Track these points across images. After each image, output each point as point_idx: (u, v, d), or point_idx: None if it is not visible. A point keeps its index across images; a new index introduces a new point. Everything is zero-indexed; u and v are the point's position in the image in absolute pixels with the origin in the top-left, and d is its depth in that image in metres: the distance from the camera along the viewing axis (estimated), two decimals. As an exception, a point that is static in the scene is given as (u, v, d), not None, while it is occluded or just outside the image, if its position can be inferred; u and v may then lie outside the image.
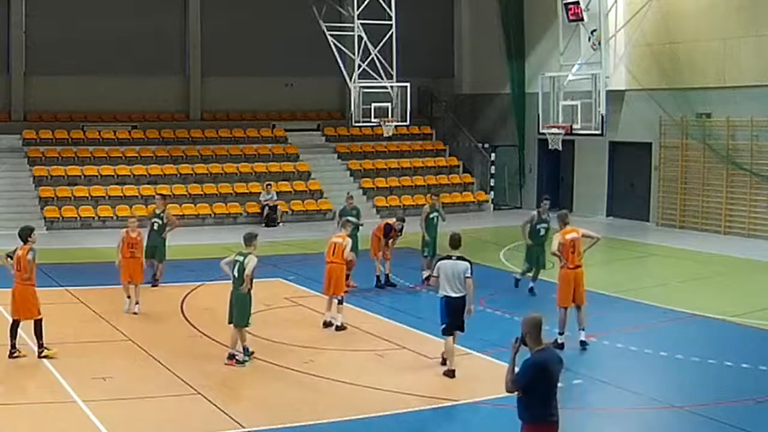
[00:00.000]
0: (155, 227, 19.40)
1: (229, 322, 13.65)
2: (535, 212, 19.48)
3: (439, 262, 13.11)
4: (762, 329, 15.93)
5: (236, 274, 13.56)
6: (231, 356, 13.56)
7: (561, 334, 14.45)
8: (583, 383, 12.84)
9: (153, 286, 18.96)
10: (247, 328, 13.64)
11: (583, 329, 14.62)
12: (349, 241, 16.25)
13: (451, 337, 13.00)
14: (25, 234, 13.93)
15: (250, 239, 13.75)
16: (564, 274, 14.64)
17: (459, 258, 12.91)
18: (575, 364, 13.69)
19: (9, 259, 14.00)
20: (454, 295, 12.83)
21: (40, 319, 13.67)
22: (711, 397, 12.16)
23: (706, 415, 11.47)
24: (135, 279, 16.96)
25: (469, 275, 12.78)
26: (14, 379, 12.50)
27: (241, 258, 13.55)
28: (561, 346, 14.36)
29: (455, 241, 13.22)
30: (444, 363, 13.23)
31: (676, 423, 11.57)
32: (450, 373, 12.96)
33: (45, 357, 13.49)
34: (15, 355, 13.50)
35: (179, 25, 33.37)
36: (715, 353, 14.07)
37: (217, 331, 15.24)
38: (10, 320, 13.67)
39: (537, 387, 7.76)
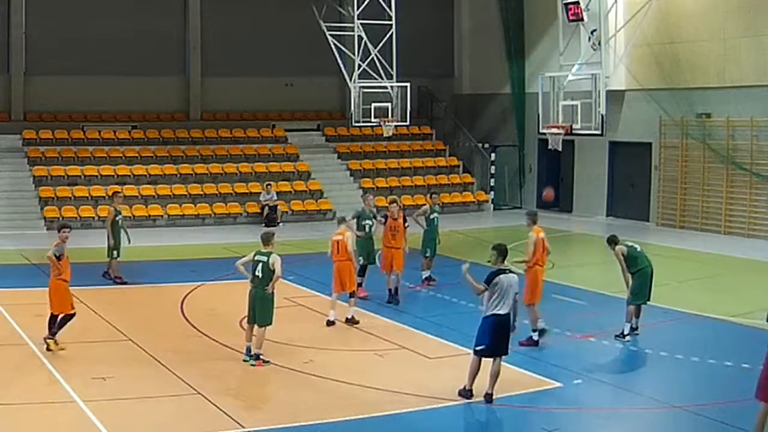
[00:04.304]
0: (120, 223, 19.58)
1: (250, 323, 13.54)
2: None
3: (498, 276, 11.77)
4: (762, 329, 15.86)
5: (259, 275, 13.36)
6: (257, 357, 13.45)
7: (535, 331, 14.55)
8: (583, 383, 12.85)
9: (123, 283, 19.26)
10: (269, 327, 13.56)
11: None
12: (350, 234, 16.31)
13: (477, 359, 11.86)
14: (57, 229, 14.36)
15: (268, 239, 13.62)
16: (536, 272, 14.81)
17: (510, 271, 12.00)
18: (575, 364, 13.72)
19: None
20: (503, 312, 11.75)
21: (72, 315, 14.03)
22: (711, 397, 12.16)
23: (706, 415, 11.48)
24: None
25: (517, 290, 12.01)
26: (14, 379, 12.49)
27: (264, 258, 13.36)
28: (536, 343, 14.45)
29: (503, 252, 12.02)
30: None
31: (676, 423, 11.57)
32: (488, 397, 11.84)
33: (48, 349, 13.68)
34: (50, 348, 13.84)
35: (179, 25, 33.37)
36: (715, 353, 14.08)
37: (217, 331, 15.26)
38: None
39: None
